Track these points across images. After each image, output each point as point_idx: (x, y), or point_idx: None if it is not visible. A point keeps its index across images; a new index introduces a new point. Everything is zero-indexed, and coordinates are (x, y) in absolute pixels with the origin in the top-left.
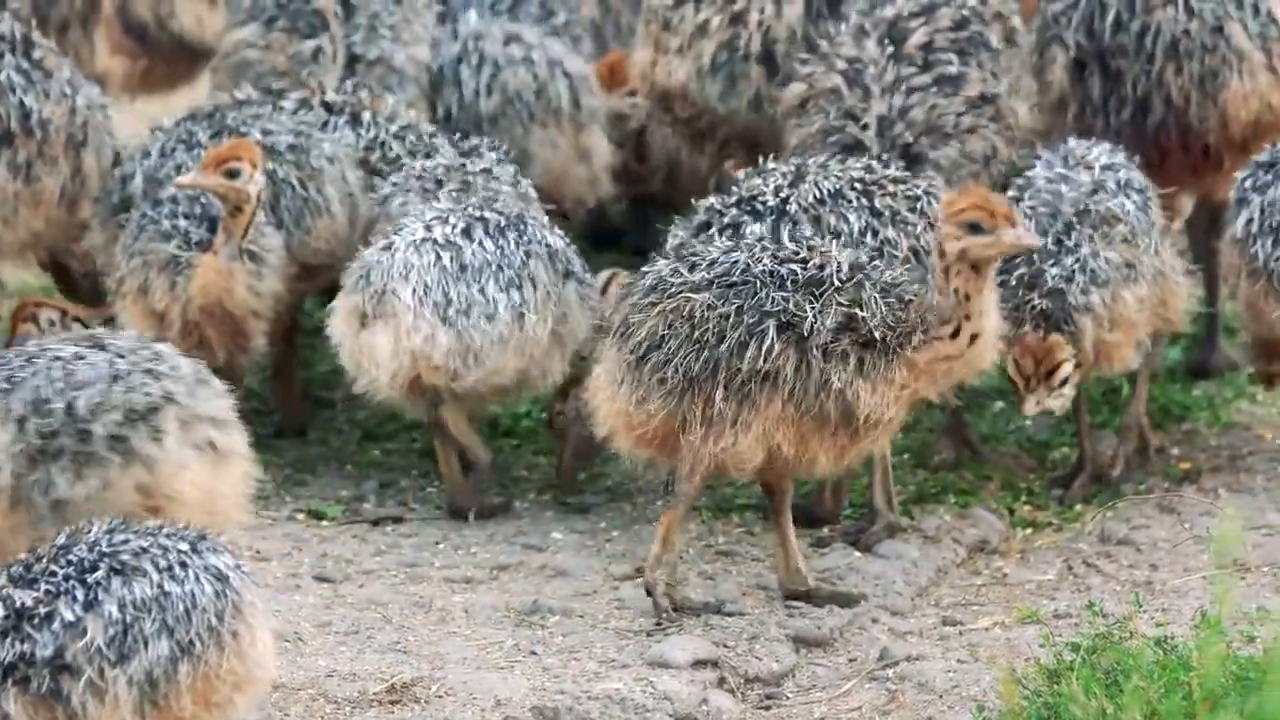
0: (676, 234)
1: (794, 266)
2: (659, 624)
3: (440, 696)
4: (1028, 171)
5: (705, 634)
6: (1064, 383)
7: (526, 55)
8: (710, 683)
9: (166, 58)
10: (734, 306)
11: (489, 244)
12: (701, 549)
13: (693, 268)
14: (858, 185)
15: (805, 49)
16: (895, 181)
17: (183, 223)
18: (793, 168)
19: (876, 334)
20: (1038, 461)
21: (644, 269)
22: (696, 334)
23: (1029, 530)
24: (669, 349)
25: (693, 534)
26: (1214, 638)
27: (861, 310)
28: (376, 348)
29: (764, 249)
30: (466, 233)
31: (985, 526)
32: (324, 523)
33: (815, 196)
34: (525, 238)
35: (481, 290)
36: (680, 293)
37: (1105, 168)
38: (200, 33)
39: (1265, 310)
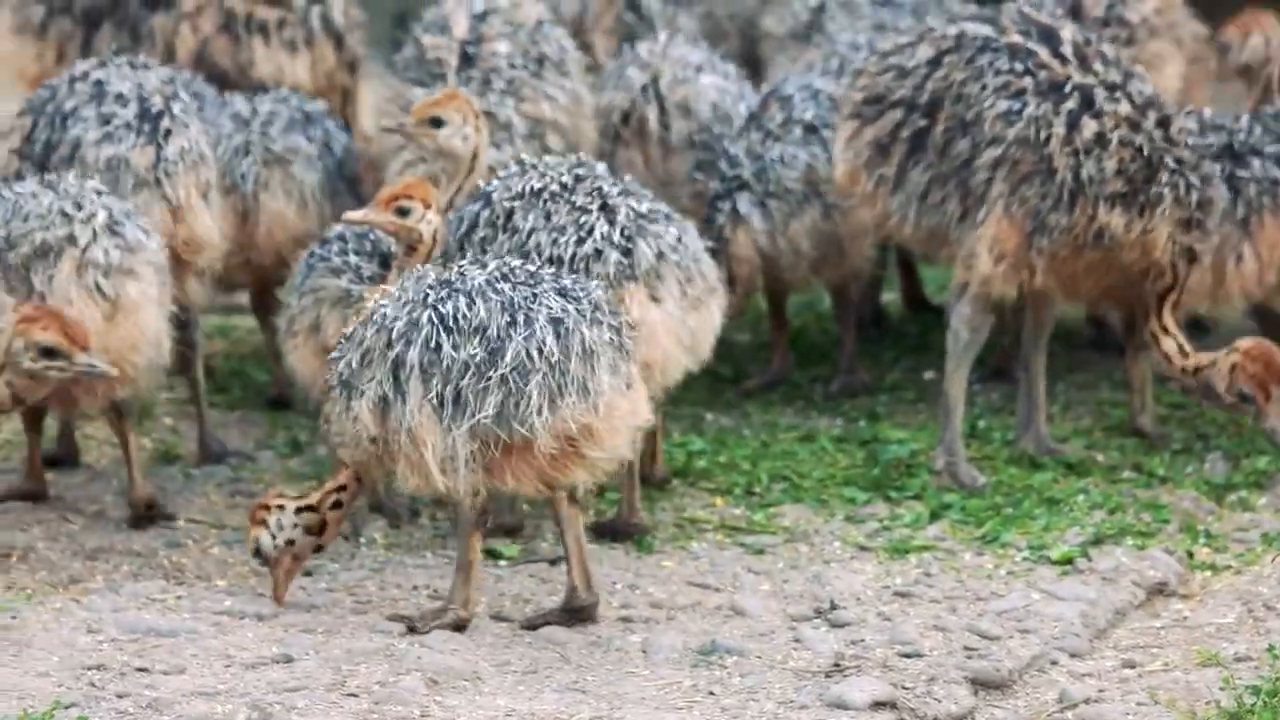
0: None
1: None
2: None
3: None
4: None
5: (883, 675)
6: None
7: None
8: None
9: None
10: None
11: None
12: (879, 590)
13: None
14: None
15: None
16: None
17: (353, 259)
18: None
19: None
20: (1216, 502)
21: None
22: None
23: (1208, 572)
24: None
25: (869, 575)
26: None
27: None
28: None
29: None
30: None
31: (1163, 568)
32: (501, 562)
33: None
34: None
35: None
36: None
37: None
38: (280, 81)
39: None
